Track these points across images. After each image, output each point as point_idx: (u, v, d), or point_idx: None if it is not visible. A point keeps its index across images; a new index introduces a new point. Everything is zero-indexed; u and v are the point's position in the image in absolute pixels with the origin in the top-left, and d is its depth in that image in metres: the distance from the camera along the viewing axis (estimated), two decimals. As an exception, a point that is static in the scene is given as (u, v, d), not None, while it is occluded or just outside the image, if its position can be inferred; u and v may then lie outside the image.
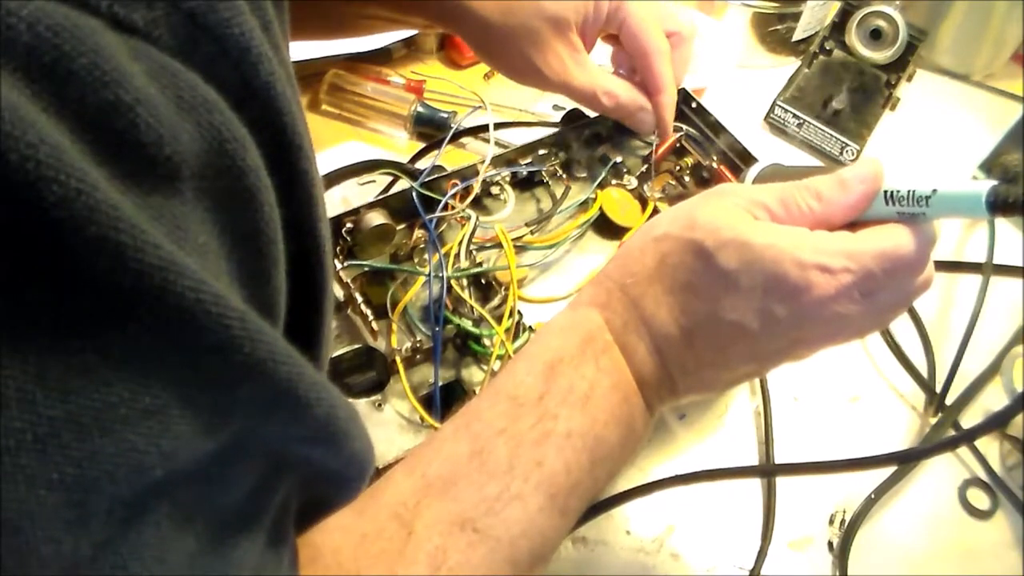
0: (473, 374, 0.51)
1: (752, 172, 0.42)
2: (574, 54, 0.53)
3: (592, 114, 0.63)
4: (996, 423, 0.48)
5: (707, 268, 0.34)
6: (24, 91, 0.14)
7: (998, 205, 0.30)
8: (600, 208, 0.58)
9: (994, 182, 0.30)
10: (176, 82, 0.17)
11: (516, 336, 0.51)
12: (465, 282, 0.51)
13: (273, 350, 0.19)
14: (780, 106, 0.75)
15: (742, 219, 0.34)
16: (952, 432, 0.56)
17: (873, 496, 0.52)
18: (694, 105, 0.62)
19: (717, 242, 0.34)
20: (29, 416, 0.16)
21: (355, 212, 0.53)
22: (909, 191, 0.33)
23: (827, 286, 0.32)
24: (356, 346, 0.49)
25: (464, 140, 0.69)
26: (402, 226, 0.55)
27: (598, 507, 0.46)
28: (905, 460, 0.53)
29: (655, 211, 0.60)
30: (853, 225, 0.35)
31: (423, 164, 0.62)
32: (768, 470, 0.55)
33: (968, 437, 0.49)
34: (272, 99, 0.20)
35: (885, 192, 0.34)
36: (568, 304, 0.40)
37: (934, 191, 0.32)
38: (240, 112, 0.19)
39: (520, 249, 0.56)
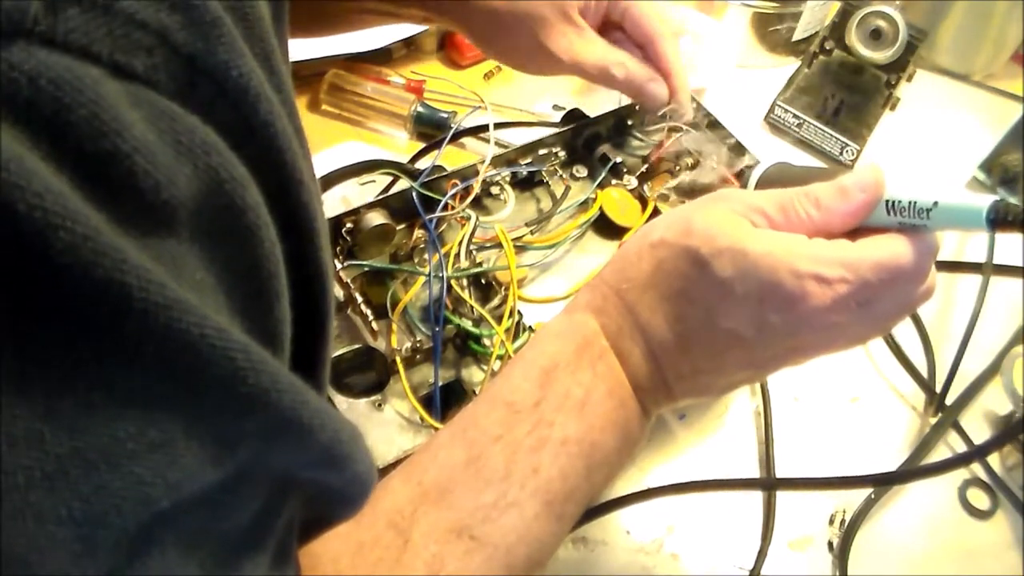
0: (473, 374, 0.51)
1: (756, 172, 0.42)
2: (580, 32, 0.53)
3: (592, 114, 0.63)
4: (1008, 437, 0.48)
5: (702, 275, 0.34)
6: (25, 142, 0.15)
7: (999, 221, 0.30)
8: (600, 208, 0.58)
9: (995, 197, 0.30)
10: (174, 126, 0.18)
11: (516, 336, 0.51)
12: (465, 282, 0.51)
13: (276, 379, 0.20)
14: (780, 106, 0.75)
15: (739, 226, 0.34)
16: (952, 431, 0.56)
17: (873, 496, 0.52)
18: (694, 105, 0.62)
19: (713, 249, 0.34)
20: (38, 454, 0.16)
21: (355, 212, 0.53)
22: (911, 202, 0.32)
23: (823, 296, 0.32)
24: (356, 346, 0.49)
25: (464, 140, 0.69)
26: (402, 226, 0.55)
27: (596, 510, 0.46)
28: (913, 477, 0.53)
29: (655, 211, 0.60)
30: (855, 232, 0.34)
31: (423, 164, 0.62)
32: (769, 483, 0.54)
33: (980, 453, 0.49)
34: (271, 137, 0.20)
35: (887, 201, 0.33)
36: (563, 308, 0.40)
37: (935, 204, 0.32)
38: (240, 151, 0.19)
39: (520, 249, 0.56)
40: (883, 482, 0.50)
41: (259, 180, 0.20)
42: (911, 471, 0.54)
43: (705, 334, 0.35)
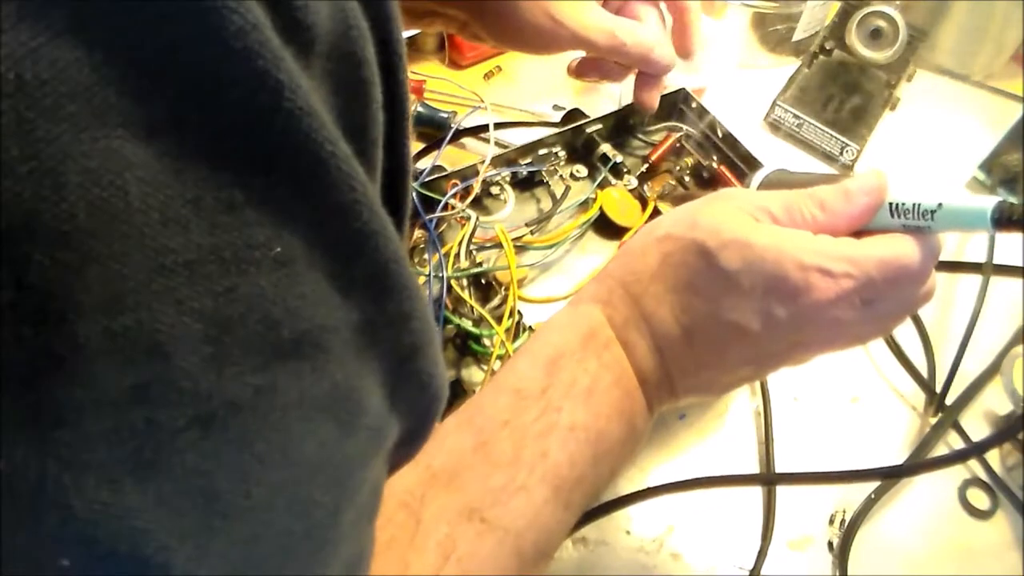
0: (473, 374, 0.51)
1: (757, 177, 0.42)
2: (587, 3, 0.52)
3: (592, 114, 0.63)
4: (1009, 434, 0.48)
5: (708, 268, 0.34)
6: None
7: (1002, 221, 0.30)
8: (600, 208, 0.58)
9: (999, 198, 0.31)
10: None
11: (516, 336, 0.51)
12: (465, 282, 0.51)
13: (384, 225, 0.20)
14: (780, 106, 0.75)
15: (744, 221, 0.34)
16: (952, 432, 0.56)
17: (873, 496, 0.52)
18: (694, 105, 0.62)
19: (719, 242, 0.34)
20: (182, 240, 0.16)
21: (355, 212, 0.52)
22: (914, 204, 0.33)
23: (827, 290, 0.32)
24: (356, 346, 0.49)
25: (464, 140, 0.69)
26: (402, 226, 0.55)
27: (598, 509, 0.46)
28: (911, 472, 0.53)
29: (655, 211, 0.60)
30: (858, 234, 0.34)
31: (423, 164, 0.62)
32: (768, 479, 0.54)
33: (978, 450, 0.49)
34: (386, 4, 0.21)
35: (890, 204, 0.33)
36: (568, 301, 0.40)
37: (939, 205, 0.32)
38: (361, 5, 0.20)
39: (520, 249, 0.56)
40: (882, 476, 0.50)
41: (372, 42, 0.20)
42: (909, 465, 0.54)
43: (710, 327, 0.35)
